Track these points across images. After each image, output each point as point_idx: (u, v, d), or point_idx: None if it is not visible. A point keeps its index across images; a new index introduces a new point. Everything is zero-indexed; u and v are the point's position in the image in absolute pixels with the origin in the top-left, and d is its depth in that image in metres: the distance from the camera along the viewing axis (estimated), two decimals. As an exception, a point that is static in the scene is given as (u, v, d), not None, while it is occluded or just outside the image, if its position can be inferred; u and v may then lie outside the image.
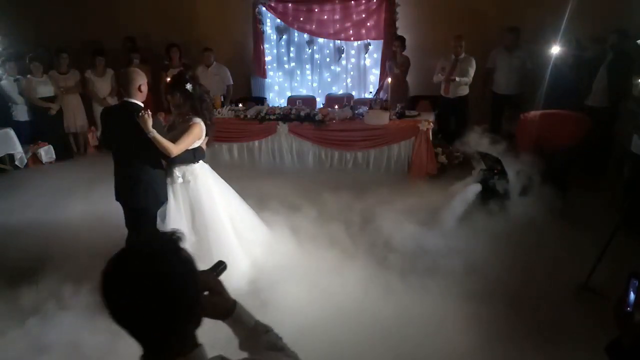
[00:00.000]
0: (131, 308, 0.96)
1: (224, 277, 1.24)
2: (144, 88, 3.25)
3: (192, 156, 3.36)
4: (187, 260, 1.03)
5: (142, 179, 3.27)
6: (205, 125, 3.36)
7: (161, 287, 0.96)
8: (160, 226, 3.34)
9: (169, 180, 3.41)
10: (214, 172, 3.67)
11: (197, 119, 3.28)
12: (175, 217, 3.37)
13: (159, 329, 0.98)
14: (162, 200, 3.38)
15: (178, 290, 0.98)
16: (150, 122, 3.04)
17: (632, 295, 1.24)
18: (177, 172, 3.38)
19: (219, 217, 3.48)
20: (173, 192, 3.41)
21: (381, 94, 6.81)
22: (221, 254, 3.30)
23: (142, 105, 3.21)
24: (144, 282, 0.95)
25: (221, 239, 3.45)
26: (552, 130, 4.46)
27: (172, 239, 1.04)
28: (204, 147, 3.47)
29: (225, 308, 1.23)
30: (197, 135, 3.28)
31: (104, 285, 0.98)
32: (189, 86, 3.24)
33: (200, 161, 3.50)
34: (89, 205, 5.15)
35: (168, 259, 0.99)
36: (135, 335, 1.00)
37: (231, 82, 7.31)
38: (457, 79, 6.32)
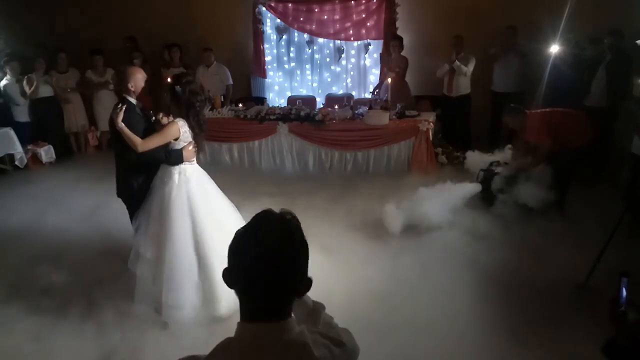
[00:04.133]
0: (266, 268, 1.06)
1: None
2: (135, 85, 3.30)
3: (164, 156, 3.22)
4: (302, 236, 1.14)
5: (120, 171, 3.41)
6: (193, 133, 3.25)
7: (292, 254, 1.09)
8: (133, 225, 3.32)
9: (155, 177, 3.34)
10: (205, 181, 3.40)
11: (177, 120, 3.19)
12: (144, 215, 3.27)
13: (279, 291, 1.09)
14: (138, 196, 3.33)
15: (301, 259, 1.12)
16: (121, 115, 3.11)
17: (624, 294, 1.26)
18: (160, 170, 3.30)
19: (180, 232, 3.16)
20: (151, 190, 3.31)
21: (380, 94, 6.81)
22: (171, 272, 3.07)
23: (133, 101, 3.29)
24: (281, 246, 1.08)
25: (176, 256, 3.13)
26: (570, 128, 4.42)
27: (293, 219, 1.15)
28: (188, 153, 3.24)
29: None
30: (169, 135, 3.16)
31: (243, 243, 1.09)
32: (178, 89, 3.17)
33: (189, 167, 3.28)
34: (89, 205, 5.16)
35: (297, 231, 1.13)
36: (253, 295, 1.09)
37: (231, 82, 7.32)
38: (458, 62, 6.36)
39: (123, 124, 3.11)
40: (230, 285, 1.11)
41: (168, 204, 3.17)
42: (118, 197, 3.50)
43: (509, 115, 4.73)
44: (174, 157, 3.22)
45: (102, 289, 3.52)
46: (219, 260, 3.12)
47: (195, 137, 3.28)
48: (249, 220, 1.11)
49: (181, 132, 3.18)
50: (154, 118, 3.45)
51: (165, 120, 3.36)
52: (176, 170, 3.23)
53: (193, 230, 3.18)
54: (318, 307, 1.35)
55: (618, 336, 1.27)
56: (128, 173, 3.35)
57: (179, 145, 3.22)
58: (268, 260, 1.06)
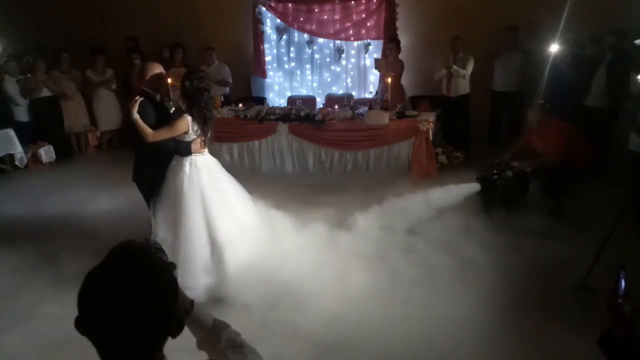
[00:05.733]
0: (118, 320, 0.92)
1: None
2: (153, 78, 3.58)
3: (174, 147, 3.43)
4: (164, 269, 1.00)
5: (136, 157, 3.68)
6: (201, 129, 3.42)
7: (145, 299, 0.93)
8: (150, 210, 3.52)
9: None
10: (216, 170, 3.59)
11: (185, 114, 3.40)
12: (160, 203, 3.48)
13: (144, 340, 0.95)
14: (151, 179, 3.54)
15: (168, 299, 0.97)
16: (136, 107, 3.33)
17: (622, 286, 1.27)
18: (173, 161, 3.51)
19: (193, 218, 3.38)
20: (166, 179, 3.51)
21: (378, 94, 6.80)
22: (186, 256, 3.32)
23: (152, 92, 3.55)
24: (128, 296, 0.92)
25: (191, 241, 3.37)
26: (576, 150, 4.40)
27: (149, 249, 1.02)
28: (196, 145, 3.45)
29: (183, 308, 1.20)
30: (177, 129, 3.36)
31: (87, 298, 0.94)
32: (187, 83, 3.36)
33: (199, 158, 3.49)
34: (89, 205, 5.15)
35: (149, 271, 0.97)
36: (113, 347, 0.95)
37: (230, 80, 7.29)
38: (455, 67, 6.34)
39: (138, 115, 3.33)
40: (84, 334, 0.95)
41: (181, 192, 3.40)
42: (133, 181, 3.72)
43: (535, 110, 4.65)
44: (183, 148, 3.45)
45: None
46: (229, 244, 3.42)
47: (201, 130, 3.45)
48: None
49: (190, 126, 3.38)
50: (173, 109, 3.66)
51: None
52: (187, 161, 3.46)
53: (205, 217, 3.41)
54: (219, 327, 1.27)
55: (614, 329, 1.27)
56: (143, 160, 3.61)
57: (188, 138, 3.43)
58: (130, 307, 0.91)
